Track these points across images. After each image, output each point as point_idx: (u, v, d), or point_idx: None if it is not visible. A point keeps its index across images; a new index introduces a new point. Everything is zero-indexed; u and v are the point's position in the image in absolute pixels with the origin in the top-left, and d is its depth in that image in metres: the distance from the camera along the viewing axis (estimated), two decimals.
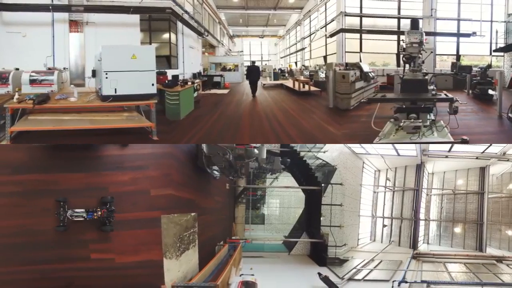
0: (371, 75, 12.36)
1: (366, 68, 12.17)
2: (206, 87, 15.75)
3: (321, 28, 21.34)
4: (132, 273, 4.16)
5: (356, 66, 11.73)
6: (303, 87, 14.12)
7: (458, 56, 17.61)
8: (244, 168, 5.98)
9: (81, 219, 4.34)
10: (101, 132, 6.15)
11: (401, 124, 6.29)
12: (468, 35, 16.96)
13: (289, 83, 17.38)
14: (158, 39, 13.30)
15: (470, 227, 14.75)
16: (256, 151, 5.97)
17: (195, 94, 11.18)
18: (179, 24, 13.48)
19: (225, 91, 15.65)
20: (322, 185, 10.29)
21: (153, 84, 6.56)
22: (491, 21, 17.13)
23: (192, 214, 4.88)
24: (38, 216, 4.35)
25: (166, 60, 13.19)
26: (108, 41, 9.80)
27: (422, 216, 15.01)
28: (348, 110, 9.63)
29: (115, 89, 6.30)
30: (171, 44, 13.46)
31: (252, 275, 5.65)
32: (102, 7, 10.71)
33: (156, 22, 12.98)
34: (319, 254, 9.83)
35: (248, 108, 10.74)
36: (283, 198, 13.00)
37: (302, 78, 15.73)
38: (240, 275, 6.13)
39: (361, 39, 17.74)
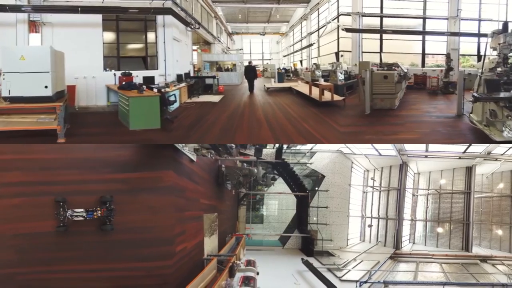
0: (408, 75, 14.00)
1: (404, 68, 13.39)
2: (194, 92, 14.51)
3: (332, 20, 21.08)
4: (195, 253, 6.47)
5: (393, 66, 12.70)
6: (323, 94, 12.52)
7: (479, 56, 19.37)
8: (248, 184, 9.99)
9: (81, 218, 5.11)
10: (18, 134, 7.27)
11: None
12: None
13: (301, 87, 15.91)
14: (136, 39, 13.64)
15: (457, 227, 16.86)
16: (255, 170, 9.95)
17: (176, 106, 11.08)
18: (159, 17, 13.27)
19: (217, 98, 14.23)
20: (316, 189, 14.23)
21: (46, 87, 7.31)
22: (506, 21, 19.39)
23: (215, 214, 8.93)
24: (144, 213, 5.38)
25: (142, 60, 13.54)
26: (65, 41, 11.44)
27: (408, 216, 17.44)
28: (392, 109, 10.99)
29: (9, 90, 7.33)
30: (148, 43, 13.55)
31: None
32: (49, 7, 11.59)
33: (127, 22, 13.24)
34: (308, 247, 13.95)
35: (246, 134, 8.72)
36: (281, 200, 16.52)
37: (323, 82, 14.17)
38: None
39: (381, 39, 19.38)
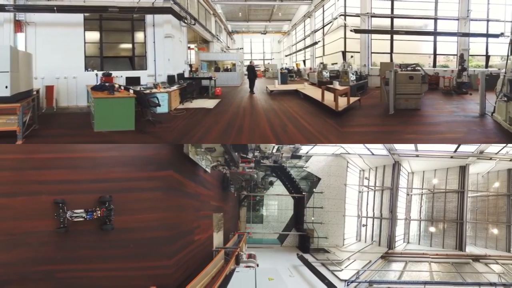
0: (428, 76, 14.07)
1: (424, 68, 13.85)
2: (187, 96, 13.93)
3: (339, 16, 20.80)
4: (207, 244, 8.60)
5: (412, 66, 13.43)
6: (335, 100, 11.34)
7: (487, 57, 20.57)
8: (249, 187, 12.23)
9: (81, 219, 5.33)
10: None
11: None
12: (497, 36, 19.91)
13: (309, 90, 15.35)
14: (124, 39, 13.83)
15: (451, 226, 17.63)
16: (255, 176, 12.11)
17: (165, 110, 11.03)
18: (148, 16, 13.49)
19: (212, 104, 13.43)
20: (314, 190, 16.32)
21: (6, 87, 7.60)
22: None
23: (221, 213, 11.14)
24: (174, 211, 5.98)
25: (129, 60, 13.65)
26: (47, 41, 12.11)
27: (402, 215, 18.35)
28: (417, 109, 11.80)
29: None
30: (136, 43, 13.73)
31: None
32: (28, 6, 12.14)
33: (116, 21, 13.50)
34: (304, 245, 16.16)
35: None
36: (280, 201, 18.62)
37: (338, 86, 12.95)
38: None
39: (392, 39, 20.20)
